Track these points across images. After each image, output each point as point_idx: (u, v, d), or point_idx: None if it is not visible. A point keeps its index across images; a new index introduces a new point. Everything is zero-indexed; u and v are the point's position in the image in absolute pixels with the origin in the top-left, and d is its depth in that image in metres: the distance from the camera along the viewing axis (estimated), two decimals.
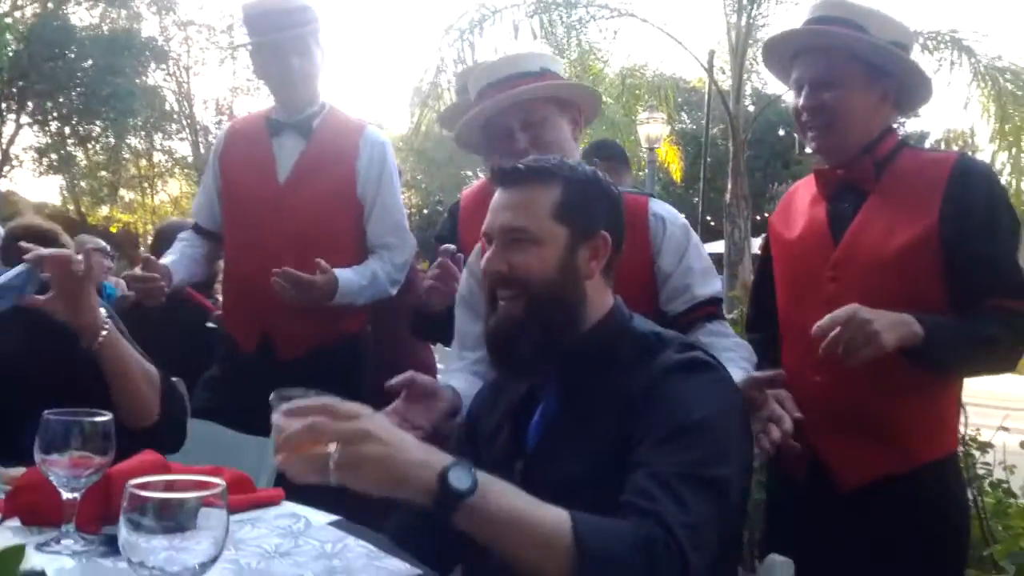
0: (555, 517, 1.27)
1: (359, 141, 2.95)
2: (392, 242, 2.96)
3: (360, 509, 1.76)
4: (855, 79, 2.11)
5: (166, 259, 2.98)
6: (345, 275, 2.81)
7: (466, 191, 2.96)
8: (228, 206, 3.01)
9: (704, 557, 1.32)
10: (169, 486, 1.06)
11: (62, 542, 1.40)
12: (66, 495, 1.41)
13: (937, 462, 2.09)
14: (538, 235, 1.60)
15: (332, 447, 1.23)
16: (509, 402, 1.72)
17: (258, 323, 2.91)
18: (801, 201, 2.31)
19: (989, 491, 3.34)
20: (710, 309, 2.22)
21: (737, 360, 2.11)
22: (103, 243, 6.03)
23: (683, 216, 2.31)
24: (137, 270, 2.84)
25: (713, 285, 2.26)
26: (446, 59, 9.66)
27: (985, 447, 3.50)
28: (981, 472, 3.49)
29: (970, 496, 3.07)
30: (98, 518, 1.47)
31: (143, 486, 1.03)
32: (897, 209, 2.08)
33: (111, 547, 1.41)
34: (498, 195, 1.68)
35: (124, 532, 1.02)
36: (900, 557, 2.04)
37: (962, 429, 2.84)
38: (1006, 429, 3.42)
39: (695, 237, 2.28)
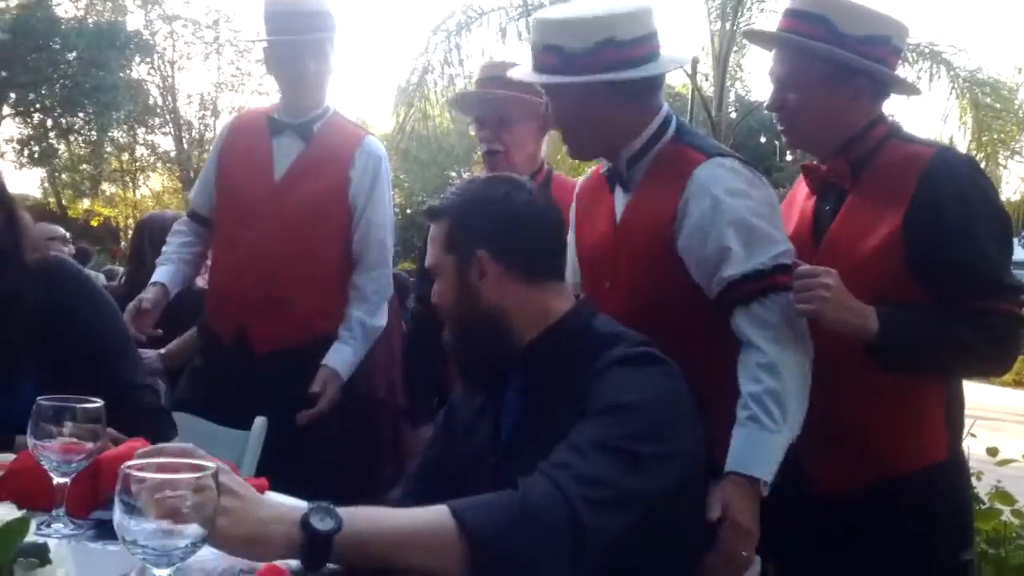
0: (434, 514, 1.31)
1: (356, 150, 2.97)
2: (371, 262, 2.97)
3: (346, 497, 1.81)
4: (820, 81, 2.07)
5: (160, 269, 3.06)
6: (338, 357, 2.91)
7: None
8: (223, 199, 3.05)
9: (603, 516, 1.35)
10: (161, 468, 1.10)
11: (52, 526, 1.44)
12: (57, 480, 1.45)
13: (917, 473, 2.01)
14: (437, 269, 1.76)
15: None
16: (481, 401, 1.80)
17: (236, 316, 2.95)
18: (799, 197, 2.28)
19: None
20: (750, 287, 1.90)
21: (743, 418, 1.84)
22: (61, 230, 5.99)
23: (726, 183, 1.95)
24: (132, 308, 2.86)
25: (747, 262, 1.90)
26: (433, 60, 9.67)
27: None
28: None
29: None
30: (87, 503, 1.51)
31: (136, 467, 1.06)
32: (872, 209, 2.03)
33: (100, 531, 1.46)
34: None
35: (118, 513, 1.06)
36: (879, 569, 2.01)
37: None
38: (973, 436, 3.48)
39: (735, 206, 1.93)
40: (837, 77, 2.06)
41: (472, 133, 3.07)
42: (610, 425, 1.45)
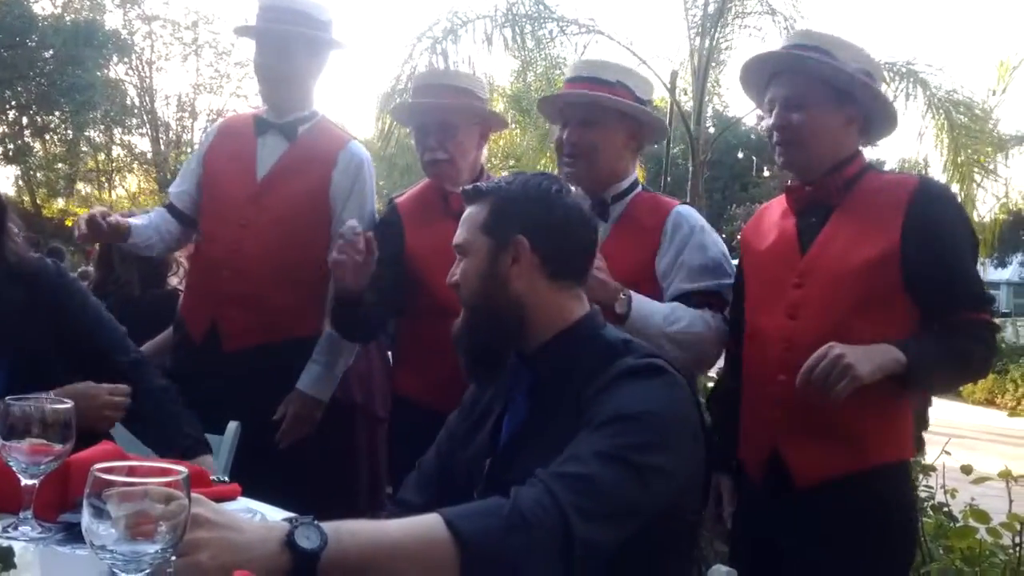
0: (425, 524, 1.28)
1: (339, 152, 2.96)
2: None
3: (314, 506, 1.79)
4: (822, 102, 2.21)
5: (135, 220, 3.00)
6: (306, 378, 2.89)
7: (402, 199, 2.98)
8: (207, 197, 3.04)
9: (596, 527, 1.33)
10: (132, 472, 1.07)
11: (20, 528, 1.41)
12: (25, 481, 1.42)
13: (889, 465, 2.17)
14: (467, 248, 1.73)
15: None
16: (487, 403, 1.79)
17: (209, 313, 2.93)
18: (772, 216, 2.42)
19: (931, 513, 3.41)
20: (698, 300, 2.44)
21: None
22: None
23: (697, 219, 2.56)
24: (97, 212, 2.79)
25: (704, 282, 2.47)
26: (418, 67, 9.63)
27: (928, 470, 3.58)
28: (923, 495, 3.57)
29: None
30: (56, 505, 1.48)
31: (107, 470, 1.04)
32: (861, 225, 2.18)
33: (68, 534, 1.43)
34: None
35: (86, 517, 1.03)
36: (849, 555, 2.10)
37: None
38: (948, 453, 3.49)
39: (701, 236, 2.52)
40: (836, 100, 2.22)
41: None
42: (613, 435, 1.42)
